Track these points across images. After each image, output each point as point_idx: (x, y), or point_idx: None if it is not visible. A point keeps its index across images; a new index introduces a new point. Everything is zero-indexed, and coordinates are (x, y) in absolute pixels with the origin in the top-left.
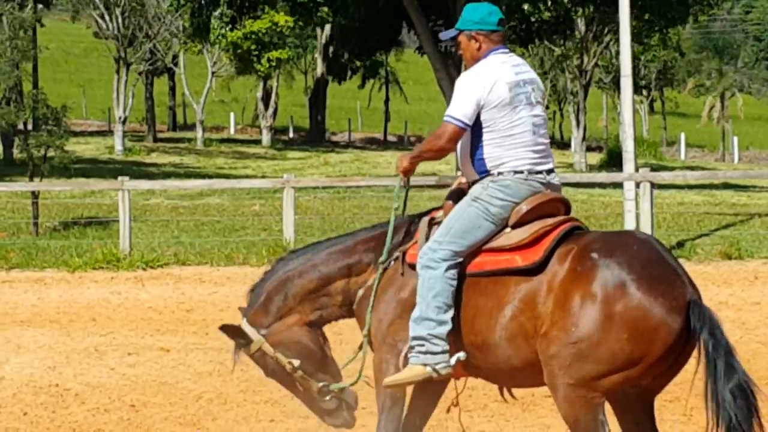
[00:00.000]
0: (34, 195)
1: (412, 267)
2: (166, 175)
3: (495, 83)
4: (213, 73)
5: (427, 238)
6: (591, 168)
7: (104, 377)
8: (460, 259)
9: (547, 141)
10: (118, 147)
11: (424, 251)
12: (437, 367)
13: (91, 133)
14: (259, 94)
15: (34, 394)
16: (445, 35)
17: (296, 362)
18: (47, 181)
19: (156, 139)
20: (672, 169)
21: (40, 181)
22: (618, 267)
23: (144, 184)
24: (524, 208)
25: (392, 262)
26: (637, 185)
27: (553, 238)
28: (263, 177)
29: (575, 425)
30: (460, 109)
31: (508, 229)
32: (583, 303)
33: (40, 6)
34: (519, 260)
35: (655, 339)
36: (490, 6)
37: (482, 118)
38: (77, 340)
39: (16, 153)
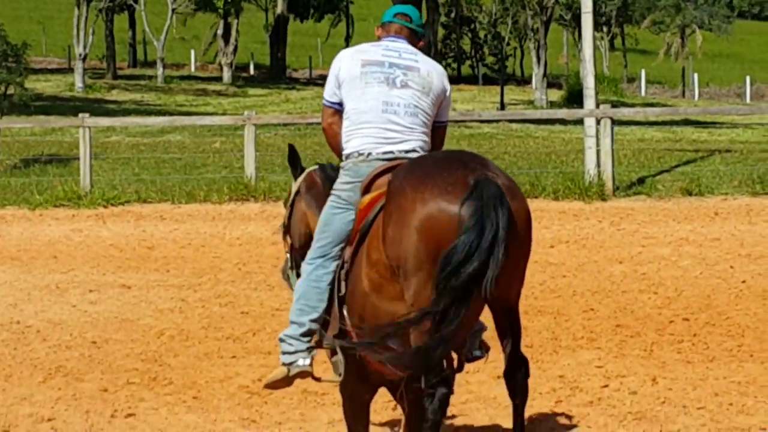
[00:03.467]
0: None
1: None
2: (127, 113)
3: (351, 60)
4: (173, 10)
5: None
6: (552, 104)
7: (66, 314)
8: (331, 252)
9: (411, 123)
10: (79, 84)
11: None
12: (292, 365)
13: (51, 71)
14: (220, 30)
15: None
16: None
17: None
18: (7, 119)
19: (116, 77)
20: (632, 105)
21: (0, 119)
22: (402, 180)
23: (104, 122)
24: (365, 183)
25: None
26: (598, 122)
27: (380, 200)
28: (224, 114)
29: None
30: (326, 89)
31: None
32: (386, 225)
33: None
34: (357, 234)
35: (439, 228)
36: (397, 6)
37: (341, 94)
38: (38, 278)
39: None
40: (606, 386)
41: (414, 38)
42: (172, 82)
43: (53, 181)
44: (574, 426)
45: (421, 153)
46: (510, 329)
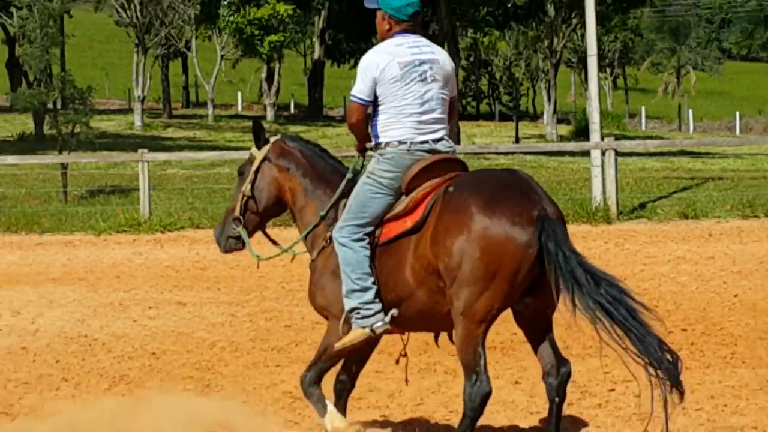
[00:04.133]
0: (63, 166)
1: None
2: (181, 148)
3: (388, 63)
4: (222, 56)
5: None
6: (561, 138)
7: (128, 328)
8: (368, 230)
9: (440, 114)
10: (138, 123)
11: (335, 231)
12: (375, 327)
13: (113, 111)
14: (263, 74)
15: (65, 343)
16: (368, 4)
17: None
18: (74, 154)
19: (171, 116)
20: (634, 138)
21: (68, 154)
22: (467, 196)
23: (161, 156)
24: (412, 172)
25: (330, 240)
26: (603, 153)
27: (433, 195)
28: None
29: (460, 358)
30: (358, 87)
31: (404, 197)
32: (445, 234)
33: None
34: (408, 223)
35: (503, 253)
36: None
37: (378, 93)
38: (103, 296)
39: (47, 129)
40: (613, 390)
41: (421, 27)
42: (221, 121)
43: (116, 209)
44: (585, 425)
45: (446, 139)
46: (548, 336)
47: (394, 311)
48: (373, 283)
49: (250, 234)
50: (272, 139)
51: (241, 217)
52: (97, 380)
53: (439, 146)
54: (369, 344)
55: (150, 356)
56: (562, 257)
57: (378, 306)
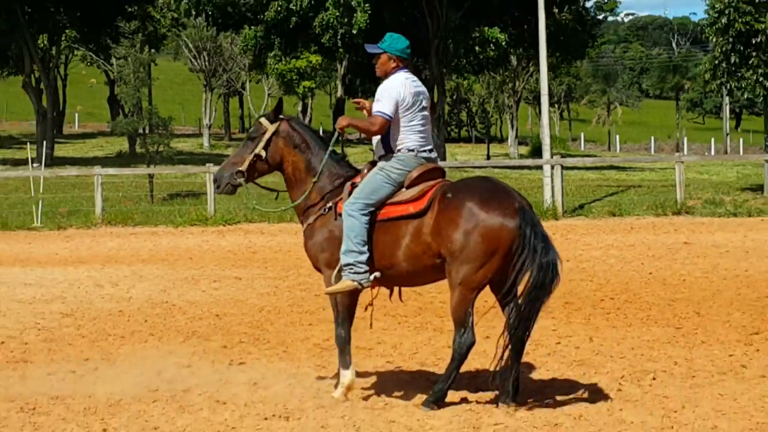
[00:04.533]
0: (150, 176)
1: (341, 215)
2: None
3: (406, 92)
4: (268, 94)
5: (348, 195)
6: (521, 156)
7: (198, 296)
8: (372, 209)
9: (429, 133)
10: (206, 144)
11: (347, 205)
12: (362, 281)
13: (188, 135)
14: (299, 108)
15: (151, 307)
16: (371, 49)
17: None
18: (159, 167)
19: (231, 139)
20: (575, 156)
21: (154, 167)
22: (463, 198)
23: None
24: (414, 174)
25: (328, 209)
26: (552, 167)
27: (432, 193)
28: None
29: (453, 316)
30: (387, 107)
31: (404, 189)
32: (448, 226)
33: (153, 50)
34: (411, 209)
35: (500, 236)
36: (406, 40)
37: (398, 114)
38: (180, 272)
39: (138, 148)
40: (558, 343)
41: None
42: None
43: (189, 208)
44: (537, 369)
45: (434, 150)
46: (514, 302)
47: (377, 273)
48: (368, 249)
49: (246, 182)
50: (283, 118)
51: (245, 173)
52: (175, 335)
53: (432, 156)
54: (353, 301)
55: (214, 317)
56: (532, 232)
57: (367, 267)
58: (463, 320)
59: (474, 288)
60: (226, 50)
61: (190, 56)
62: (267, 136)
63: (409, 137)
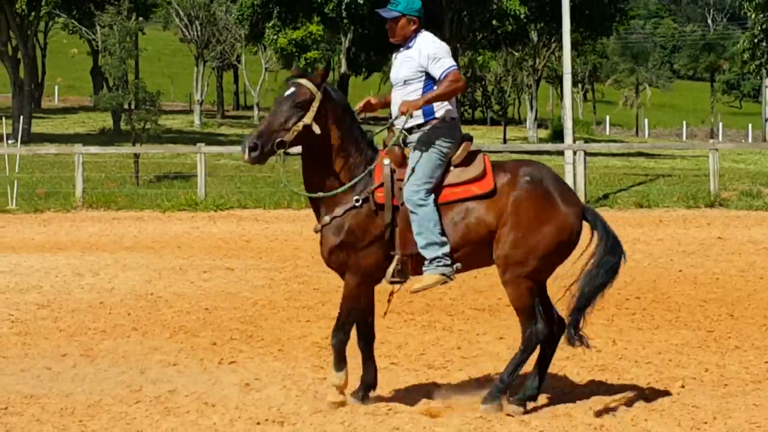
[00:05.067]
0: (136, 156)
1: (381, 206)
2: (232, 143)
3: None
4: (266, 68)
5: (392, 182)
6: (541, 140)
7: (186, 288)
8: (433, 192)
9: None
10: (197, 122)
11: (409, 195)
12: (450, 275)
13: (177, 112)
14: None
15: (135, 299)
16: (386, 13)
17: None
18: (145, 146)
19: (224, 116)
20: (600, 141)
21: (140, 146)
22: (545, 188)
23: (215, 149)
24: (464, 152)
25: (363, 202)
26: (575, 153)
27: (491, 172)
28: None
29: (521, 308)
30: (453, 61)
31: (452, 168)
32: (530, 213)
33: (140, 18)
34: (475, 189)
35: (570, 233)
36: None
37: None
38: (167, 262)
39: (123, 125)
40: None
41: None
42: None
43: (178, 192)
44: (557, 373)
45: None
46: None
47: (458, 264)
48: (446, 237)
49: (284, 156)
50: (324, 86)
51: (288, 145)
52: (160, 330)
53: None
54: (369, 301)
55: (204, 311)
56: (605, 231)
57: (450, 258)
58: (532, 310)
59: (542, 280)
60: (221, 20)
61: (180, 25)
62: (316, 105)
63: (451, 102)
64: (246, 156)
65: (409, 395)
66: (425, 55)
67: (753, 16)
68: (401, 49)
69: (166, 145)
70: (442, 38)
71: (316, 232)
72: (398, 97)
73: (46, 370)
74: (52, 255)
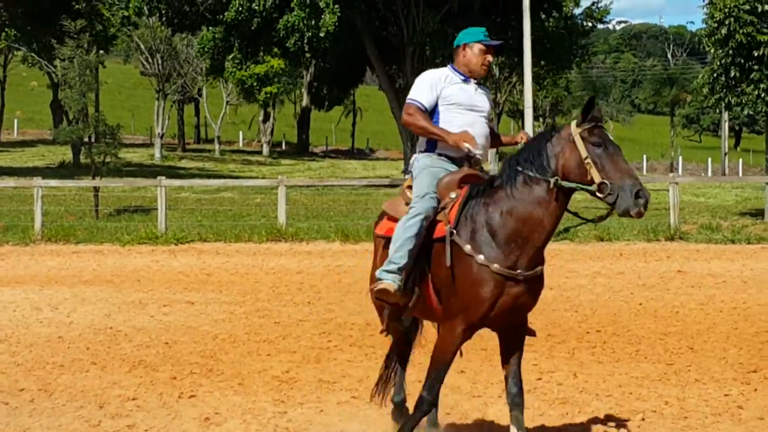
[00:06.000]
0: (96, 189)
1: None
2: (192, 176)
3: None
4: (227, 101)
5: None
6: None
7: (146, 322)
8: None
9: None
10: (157, 155)
11: None
12: None
13: (138, 145)
14: (261, 117)
15: (94, 333)
16: (496, 43)
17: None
18: (105, 180)
19: (185, 150)
20: None
21: (100, 179)
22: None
23: (176, 182)
24: None
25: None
26: None
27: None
28: (263, 178)
29: None
30: None
31: None
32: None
33: (101, 51)
34: None
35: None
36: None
37: None
38: (126, 295)
39: (83, 158)
40: (539, 379)
41: (455, 56)
42: (226, 155)
43: (138, 225)
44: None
45: None
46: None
47: None
48: None
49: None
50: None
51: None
52: (120, 364)
53: None
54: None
55: (164, 345)
56: None
57: None
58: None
59: None
60: (182, 53)
61: (141, 59)
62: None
63: None
64: (643, 210)
65: (370, 428)
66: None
67: (712, 51)
68: (471, 80)
69: (126, 179)
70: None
71: (524, 279)
72: (484, 128)
73: (3, 405)
74: (10, 289)
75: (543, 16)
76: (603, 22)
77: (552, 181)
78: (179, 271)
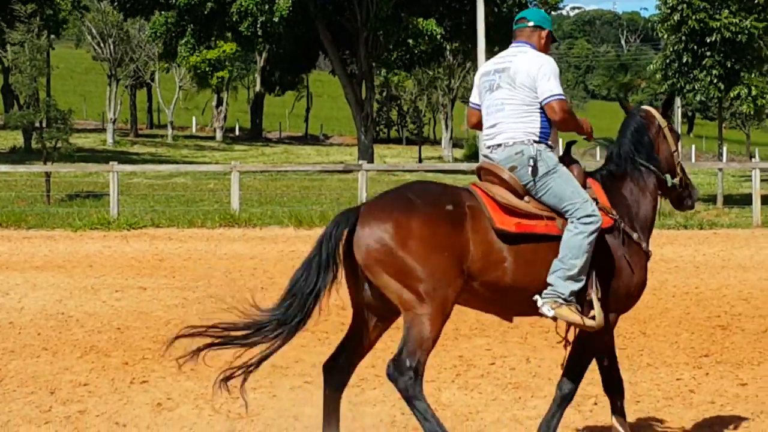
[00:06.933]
0: (47, 175)
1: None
2: (145, 162)
3: (477, 74)
4: (180, 87)
5: None
6: (456, 159)
7: (98, 308)
8: None
9: (497, 120)
10: (109, 140)
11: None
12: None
13: (90, 130)
14: (214, 102)
15: (45, 319)
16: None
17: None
18: (56, 165)
19: (137, 135)
20: None
21: (51, 165)
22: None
23: (128, 168)
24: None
25: None
26: None
27: None
28: (216, 164)
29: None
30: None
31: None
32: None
33: (52, 35)
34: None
35: None
36: (523, 12)
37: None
38: (78, 281)
39: (34, 144)
40: (493, 364)
41: (533, 35)
42: (179, 140)
43: (90, 210)
44: (471, 391)
45: (505, 146)
46: None
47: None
48: None
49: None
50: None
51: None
52: (71, 350)
53: (492, 153)
54: None
55: (116, 331)
56: None
57: None
58: None
59: None
60: (134, 37)
61: (93, 43)
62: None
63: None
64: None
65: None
66: None
67: (665, 37)
68: None
69: (78, 164)
70: (357, 58)
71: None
72: None
73: None
74: None
75: (498, 1)
76: (557, 9)
77: (665, 178)
78: (131, 256)
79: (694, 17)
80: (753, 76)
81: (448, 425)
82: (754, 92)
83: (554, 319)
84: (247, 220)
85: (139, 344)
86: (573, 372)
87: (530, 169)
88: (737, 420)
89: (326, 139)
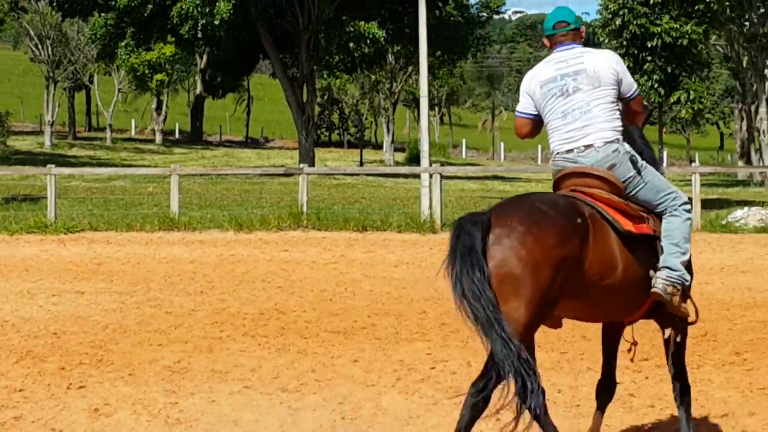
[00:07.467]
0: None
1: None
2: (83, 165)
3: (531, 84)
4: (119, 89)
5: None
6: (397, 163)
7: (34, 312)
8: None
9: (585, 122)
10: (47, 143)
11: None
12: None
13: (27, 133)
14: (153, 105)
15: None
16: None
17: None
18: None
19: (76, 138)
20: (456, 164)
21: None
22: None
23: (66, 171)
24: (554, 180)
25: None
26: (431, 176)
27: None
28: (156, 167)
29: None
30: (519, 104)
31: None
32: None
33: None
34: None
35: None
36: (552, 13)
37: (537, 109)
38: (14, 285)
39: None
40: (433, 368)
41: (577, 36)
42: (118, 143)
43: (26, 214)
44: (411, 396)
45: (598, 146)
46: None
47: None
48: None
49: None
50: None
51: None
52: (6, 355)
53: (580, 154)
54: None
55: (52, 336)
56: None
57: None
58: None
59: None
60: (73, 39)
61: (31, 45)
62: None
63: (551, 137)
64: None
65: (262, 418)
66: None
67: (606, 41)
68: None
69: (14, 167)
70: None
71: None
72: None
73: None
74: None
75: (440, 4)
76: (498, 13)
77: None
78: (69, 260)
79: (635, 22)
80: (693, 81)
81: (388, 430)
82: (692, 96)
83: (664, 302)
84: (187, 224)
85: (76, 349)
86: (679, 372)
87: (631, 164)
88: (677, 423)
89: (267, 142)
